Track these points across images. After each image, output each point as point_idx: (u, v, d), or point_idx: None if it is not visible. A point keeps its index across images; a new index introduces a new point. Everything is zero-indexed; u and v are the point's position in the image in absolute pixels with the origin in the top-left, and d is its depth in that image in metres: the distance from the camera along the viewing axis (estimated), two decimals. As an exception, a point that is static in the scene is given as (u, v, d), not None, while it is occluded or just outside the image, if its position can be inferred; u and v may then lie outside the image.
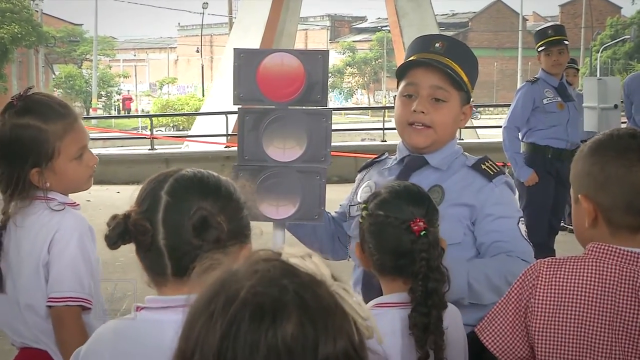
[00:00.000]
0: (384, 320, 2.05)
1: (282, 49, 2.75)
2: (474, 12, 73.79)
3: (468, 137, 16.90)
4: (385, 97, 65.53)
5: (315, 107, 2.64)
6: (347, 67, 70.95)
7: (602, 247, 1.92)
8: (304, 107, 2.66)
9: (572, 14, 68.94)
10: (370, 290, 2.33)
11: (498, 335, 2.00)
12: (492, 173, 2.59)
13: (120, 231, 1.68)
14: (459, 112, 2.66)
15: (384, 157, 2.85)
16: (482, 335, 2.02)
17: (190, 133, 22.38)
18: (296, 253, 1.11)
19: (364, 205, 2.22)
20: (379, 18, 75.09)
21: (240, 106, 2.70)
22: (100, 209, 8.67)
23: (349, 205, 2.79)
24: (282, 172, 2.64)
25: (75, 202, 2.48)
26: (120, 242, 1.70)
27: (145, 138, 16.64)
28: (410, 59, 2.67)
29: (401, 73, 2.69)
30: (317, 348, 1.02)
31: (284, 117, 2.65)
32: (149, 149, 16.04)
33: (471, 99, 2.71)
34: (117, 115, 49.38)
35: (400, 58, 21.61)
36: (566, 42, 6.90)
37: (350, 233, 2.69)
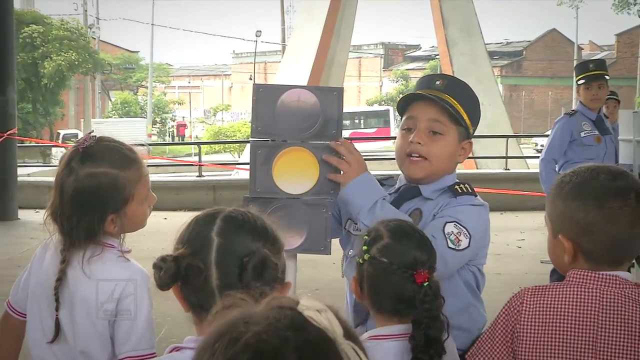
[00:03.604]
0: (379, 352, 2.12)
1: (299, 85, 2.80)
2: (529, 41, 73.31)
3: (517, 166, 16.76)
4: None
5: (324, 142, 2.69)
6: (401, 95, 70.71)
7: (583, 273, 1.98)
8: (317, 142, 2.71)
9: (629, 44, 68.13)
10: (358, 313, 2.49)
11: None
12: (460, 192, 2.64)
13: (172, 274, 1.72)
14: (456, 147, 2.72)
15: (387, 180, 2.89)
16: None
17: (240, 160, 22.55)
18: (312, 306, 1.06)
19: (365, 247, 2.25)
20: (432, 46, 74.97)
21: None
22: (144, 235, 8.76)
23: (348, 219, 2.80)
24: (289, 205, 2.70)
25: (129, 249, 2.47)
26: (172, 285, 1.73)
27: (192, 165, 16.86)
28: (410, 92, 2.76)
29: (403, 109, 2.77)
30: None
31: (296, 151, 2.72)
32: (197, 176, 16.25)
33: (471, 136, 2.76)
34: (167, 142, 50.01)
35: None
36: (607, 77, 6.88)
37: (347, 255, 2.74)
